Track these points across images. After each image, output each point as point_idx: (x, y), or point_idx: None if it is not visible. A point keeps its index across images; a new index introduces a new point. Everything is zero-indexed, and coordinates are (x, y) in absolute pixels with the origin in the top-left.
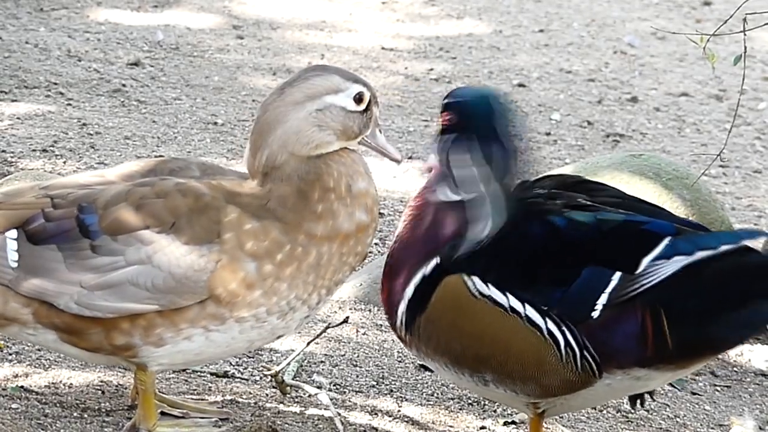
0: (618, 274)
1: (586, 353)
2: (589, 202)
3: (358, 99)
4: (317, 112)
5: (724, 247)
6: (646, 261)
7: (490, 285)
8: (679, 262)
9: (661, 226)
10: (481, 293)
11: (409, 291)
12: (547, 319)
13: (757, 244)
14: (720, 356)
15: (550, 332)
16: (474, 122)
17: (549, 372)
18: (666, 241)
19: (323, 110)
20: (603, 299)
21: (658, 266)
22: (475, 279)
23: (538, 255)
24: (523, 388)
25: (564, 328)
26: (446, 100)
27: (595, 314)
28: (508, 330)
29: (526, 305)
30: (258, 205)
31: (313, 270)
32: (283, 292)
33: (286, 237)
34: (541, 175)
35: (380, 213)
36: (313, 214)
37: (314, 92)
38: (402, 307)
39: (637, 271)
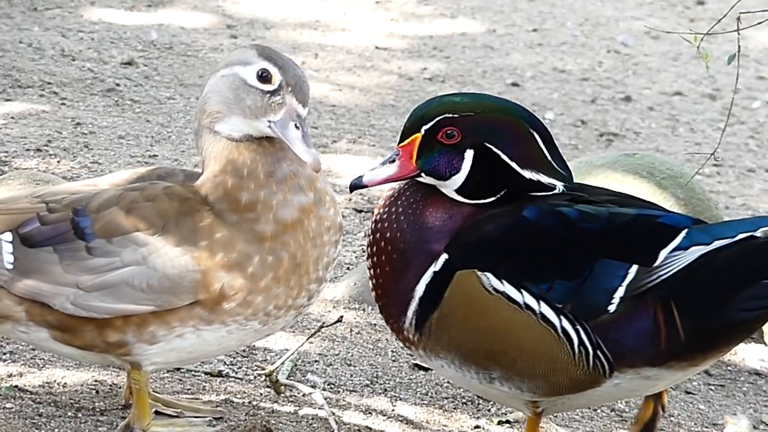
0: (635, 267)
1: (599, 352)
2: (592, 198)
3: (262, 76)
4: (220, 78)
5: (741, 236)
6: (664, 253)
7: (504, 281)
8: (696, 252)
9: (677, 219)
10: (495, 289)
11: (420, 289)
12: (562, 317)
13: None
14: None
15: (564, 330)
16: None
17: (559, 370)
18: (683, 233)
19: (225, 77)
20: (620, 293)
21: (676, 257)
22: (489, 275)
23: (551, 247)
24: (530, 385)
25: (578, 326)
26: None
27: (612, 308)
28: (522, 327)
29: (541, 302)
30: (206, 198)
31: (293, 273)
32: (258, 304)
33: (254, 246)
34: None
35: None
36: (237, 204)
37: (229, 62)
38: (413, 307)
39: (655, 264)
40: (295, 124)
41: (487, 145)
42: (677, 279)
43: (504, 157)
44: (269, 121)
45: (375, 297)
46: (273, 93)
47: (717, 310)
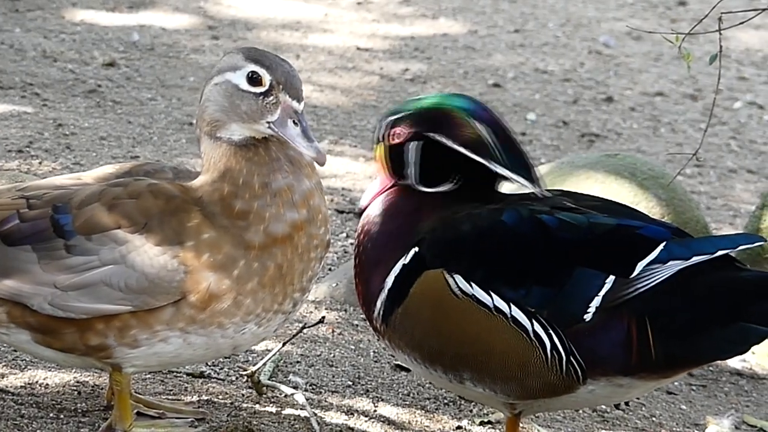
0: (612, 278)
1: (572, 358)
2: (575, 206)
3: (252, 79)
4: (214, 86)
5: (720, 252)
6: (641, 265)
7: (473, 284)
8: (674, 266)
9: (656, 231)
10: (463, 292)
11: (390, 281)
12: (534, 321)
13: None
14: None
15: (536, 334)
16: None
17: (532, 374)
18: (662, 245)
19: (218, 85)
20: (596, 302)
21: (653, 271)
22: (458, 277)
23: (528, 254)
24: (503, 388)
25: (551, 331)
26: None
27: (587, 317)
28: (492, 330)
29: (512, 306)
30: (198, 199)
31: (278, 281)
32: (248, 306)
33: (240, 251)
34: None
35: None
36: (230, 210)
37: (220, 69)
38: (382, 297)
39: (632, 276)
40: (293, 121)
41: (427, 134)
42: (654, 294)
43: (447, 141)
44: (268, 122)
45: (354, 273)
46: (265, 94)
47: (691, 343)
